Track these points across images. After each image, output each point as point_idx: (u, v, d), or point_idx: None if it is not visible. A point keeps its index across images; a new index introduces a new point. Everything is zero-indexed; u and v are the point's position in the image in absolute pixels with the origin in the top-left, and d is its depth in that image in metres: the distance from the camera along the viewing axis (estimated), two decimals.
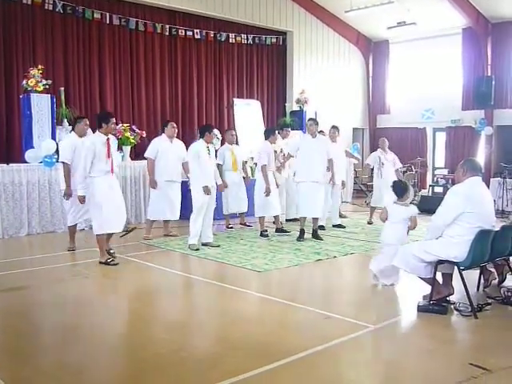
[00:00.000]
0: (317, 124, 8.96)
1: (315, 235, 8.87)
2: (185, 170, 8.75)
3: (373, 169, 11.27)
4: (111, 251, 7.35)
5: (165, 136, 8.82)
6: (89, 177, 6.87)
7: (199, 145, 8.00)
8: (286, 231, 9.27)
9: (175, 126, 8.95)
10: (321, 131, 10.81)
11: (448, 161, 15.91)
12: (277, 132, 9.67)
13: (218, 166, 9.52)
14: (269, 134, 9.37)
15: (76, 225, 8.09)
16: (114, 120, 7.15)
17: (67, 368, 3.92)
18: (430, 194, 14.83)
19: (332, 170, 9.03)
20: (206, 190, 7.77)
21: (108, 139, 6.99)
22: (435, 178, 15.81)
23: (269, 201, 9.00)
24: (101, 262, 7.03)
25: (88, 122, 7.98)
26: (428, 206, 12.52)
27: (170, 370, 3.87)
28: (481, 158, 14.91)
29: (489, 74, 14.74)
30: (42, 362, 4.08)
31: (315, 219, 8.93)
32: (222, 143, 10.71)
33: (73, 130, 7.99)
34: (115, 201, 7.05)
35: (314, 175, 8.63)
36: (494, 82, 14.47)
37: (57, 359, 4.14)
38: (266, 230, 9.09)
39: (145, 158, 8.96)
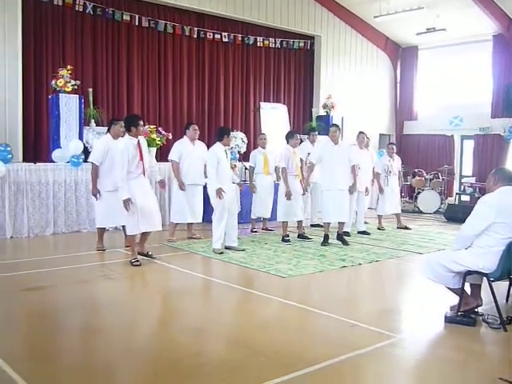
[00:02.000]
0: (339, 130, 8.96)
1: (340, 238, 8.84)
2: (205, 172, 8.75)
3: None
4: (149, 253, 7.47)
5: (187, 138, 8.81)
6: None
7: (218, 148, 7.99)
8: (307, 237, 9.19)
9: (197, 128, 8.94)
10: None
11: (475, 169, 15.66)
12: (298, 136, 9.56)
13: (250, 168, 9.58)
14: (288, 137, 9.29)
15: (105, 228, 8.13)
16: (142, 123, 7.18)
17: (87, 369, 3.91)
18: (457, 202, 14.66)
19: (354, 177, 8.91)
20: (219, 193, 7.73)
21: (139, 141, 7.03)
22: (462, 186, 15.61)
23: (291, 206, 8.93)
24: (130, 261, 7.11)
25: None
26: (454, 214, 12.43)
27: (189, 376, 3.83)
28: (509, 167, 14.62)
29: None
30: (64, 363, 4.08)
31: (341, 223, 8.88)
32: (249, 147, 10.73)
33: (108, 131, 8.03)
34: (148, 202, 7.10)
35: (338, 183, 8.63)
36: None
37: (77, 360, 4.14)
38: (288, 235, 9.02)
39: (166, 160, 8.97)
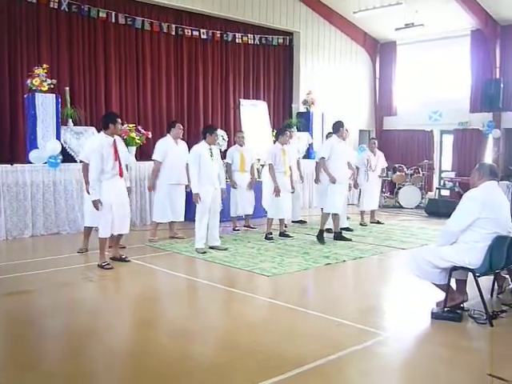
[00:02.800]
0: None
1: (340, 237, 9.03)
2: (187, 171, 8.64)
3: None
4: (123, 256, 7.28)
5: (170, 137, 8.71)
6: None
7: (201, 147, 7.88)
8: (289, 235, 9.13)
9: (182, 127, 8.83)
10: (330, 133, 10.77)
11: (455, 164, 15.75)
12: (289, 133, 9.49)
13: (228, 165, 9.50)
14: (278, 134, 9.25)
15: (92, 228, 7.99)
16: (120, 121, 7.04)
17: (73, 376, 3.81)
18: (437, 197, 14.74)
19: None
20: (195, 199, 7.68)
21: (115, 141, 6.87)
22: (442, 181, 15.70)
23: (281, 202, 8.87)
24: (98, 265, 6.92)
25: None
26: (435, 209, 12.49)
27: (179, 380, 3.75)
28: (488, 160, 14.74)
29: (497, 77, 14.57)
30: (48, 370, 3.96)
31: (336, 220, 9.02)
32: (229, 144, 10.63)
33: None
34: (122, 204, 6.94)
35: (345, 177, 9.02)
36: (502, 85, 14.32)
37: (62, 367, 4.02)
38: (271, 233, 8.97)
39: (150, 159, 8.84)
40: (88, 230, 7.92)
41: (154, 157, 8.68)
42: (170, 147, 8.60)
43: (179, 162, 8.55)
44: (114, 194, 6.81)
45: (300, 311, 5.29)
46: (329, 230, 9.23)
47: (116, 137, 6.99)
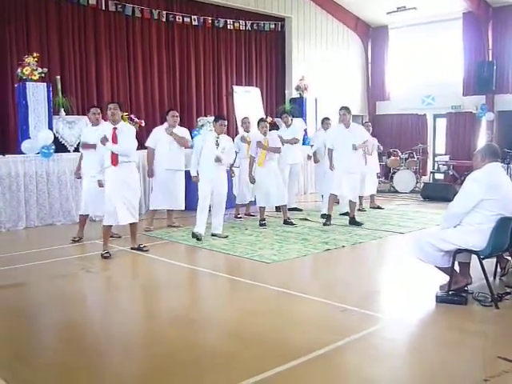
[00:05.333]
0: (349, 113, 8.99)
1: (353, 221, 8.98)
2: None
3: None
4: (141, 245, 7.22)
5: (166, 125, 8.62)
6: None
7: (208, 134, 8.02)
8: (291, 223, 9.00)
9: (176, 114, 8.73)
10: (326, 118, 10.69)
11: (449, 147, 15.77)
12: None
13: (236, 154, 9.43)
14: (258, 123, 9.12)
15: (88, 215, 7.90)
16: (111, 106, 6.87)
17: (72, 368, 3.73)
18: (431, 181, 14.73)
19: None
20: (194, 179, 7.83)
21: (115, 128, 6.78)
22: (436, 165, 15.69)
23: (268, 188, 8.80)
24: (101, 254, 6.86)
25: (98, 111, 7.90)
26: (430, 193, 12.47)
27: (186, 370, 3.68)
28: (482, 143, 14.72)
29: (490, 59, 14.53)
30: (44, 362, 3.88)
31: (353, 204, 9.04)
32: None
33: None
34: (126, 193, 6.82)
35: (350, 167, 8.80)
36: (495, 67, 14.28)
37: (61, 359, 3.94)
38: (264, 219, 8.92)
39: (144, 148, 8.73)
40: (83, 218, 7.84)
41: (146, 143, 8.65)
42: (163, 134, 8.50)
43: (174, 148, 8.47)
44: (119, 183, 6.74)
45: (302, 297, 5.23)
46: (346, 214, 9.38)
47: (121, 123, 6.92)
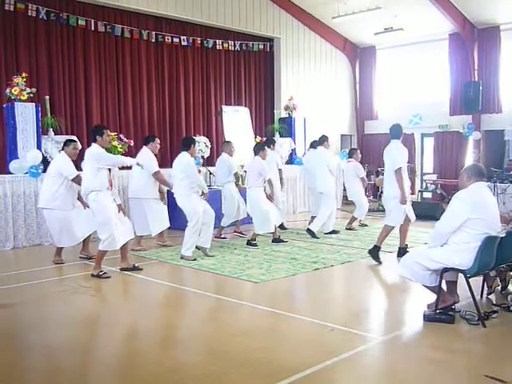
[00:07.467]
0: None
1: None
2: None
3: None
4: (135, 265, 7.22)
5: (148, 150, 8.52)
6: (93, 191, 6.67)
7: (189, 157, 7.91)
8: (282, 241, 9.05)
9: (159, 142, 8.84)
10: (314, 141, 10.68)
11: (436, 166, 15.87)
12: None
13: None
14: (258, 150, 9.06)
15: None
16: (108, 132, 6.96)
17: None
18: (419, 200, 14.79)
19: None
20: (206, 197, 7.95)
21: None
22: (424, 184, 15.78)
23: (269, 215, 8.82)
24: (93, 275, 6.80)
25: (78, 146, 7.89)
26: (418, 212, 12.44)
27: None
28: (469, 162, 14.85)
29: (476, 79, 14.72)
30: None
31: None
32: (212, 151, 10.54)
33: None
34: (116, 213, 6.85)
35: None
36: (481, 88, 14.47)
37: (49, 381, 3.90)
38: (255, 239, 8.90)
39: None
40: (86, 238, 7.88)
41: (155, 169, 8.33)
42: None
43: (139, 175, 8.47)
44: (110, 208, 6.73)
45: (291, 317, 5.22)
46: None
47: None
